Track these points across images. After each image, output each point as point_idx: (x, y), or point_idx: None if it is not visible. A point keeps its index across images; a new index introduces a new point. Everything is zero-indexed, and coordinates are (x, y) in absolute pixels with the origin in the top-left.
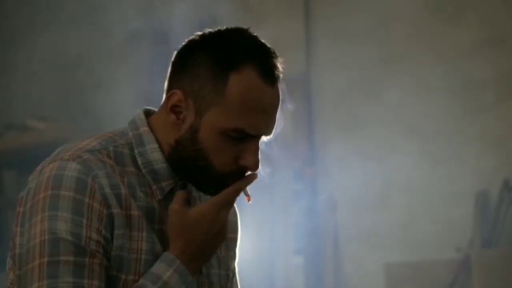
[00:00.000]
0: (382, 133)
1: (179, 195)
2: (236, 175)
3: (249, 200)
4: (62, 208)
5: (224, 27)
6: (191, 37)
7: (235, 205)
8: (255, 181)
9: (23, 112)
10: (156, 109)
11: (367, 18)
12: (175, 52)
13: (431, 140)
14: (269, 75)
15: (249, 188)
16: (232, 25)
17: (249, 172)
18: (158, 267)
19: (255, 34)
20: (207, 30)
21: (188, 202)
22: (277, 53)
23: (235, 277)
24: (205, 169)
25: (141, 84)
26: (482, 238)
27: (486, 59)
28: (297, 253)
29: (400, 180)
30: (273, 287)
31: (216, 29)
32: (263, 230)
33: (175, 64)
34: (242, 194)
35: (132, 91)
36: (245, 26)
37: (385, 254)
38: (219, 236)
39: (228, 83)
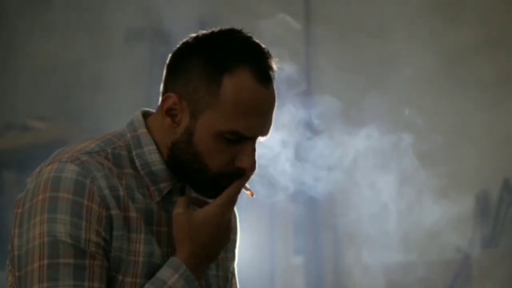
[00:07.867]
0: (382, 133)
1: (182, 199)
2: (232, 176)
3: (252, 195)
4: (61, 211)
5: (218, 29)
6: (184, 40)
7: None
8: (252, 176)
9: (23, 112)
10: (154, 111)
11: (367, 18)
12: (170, 55)
13: (431, 140)
14: (263, 76)
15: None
16: (232, 25)
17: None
18: (164, 272)
19: (249, 34)
20: (200, 32)
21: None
22: (271, 53)
23: (234, 278)
24: (201, 172)
25: (141, 84)
26: (482, 238)
27: (486, 59)
28: (297, 253)
29: (400, 180)
30: (273, 287)
31: (209, 30)
32: (262, 231)
33: (169, 67)
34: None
35: (132, 91)
36: (245, 26)
37: (385, 254)
38: (224, 237)
39: (222, 85)
